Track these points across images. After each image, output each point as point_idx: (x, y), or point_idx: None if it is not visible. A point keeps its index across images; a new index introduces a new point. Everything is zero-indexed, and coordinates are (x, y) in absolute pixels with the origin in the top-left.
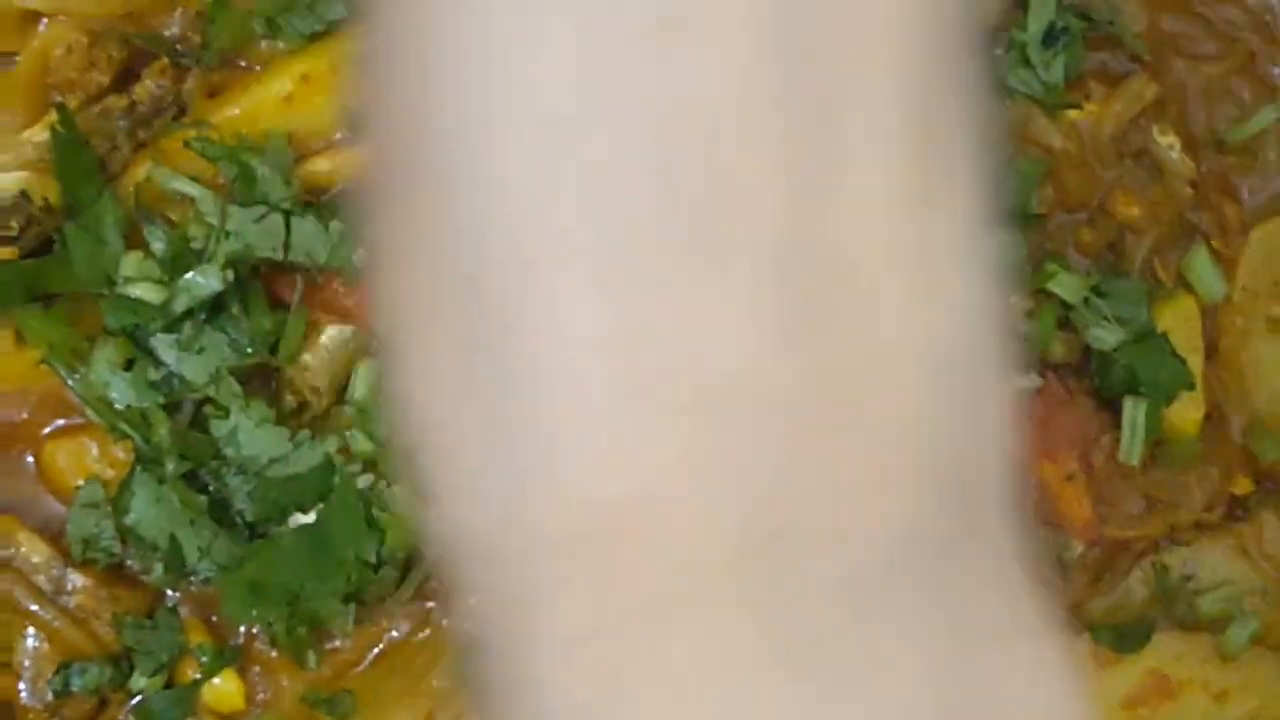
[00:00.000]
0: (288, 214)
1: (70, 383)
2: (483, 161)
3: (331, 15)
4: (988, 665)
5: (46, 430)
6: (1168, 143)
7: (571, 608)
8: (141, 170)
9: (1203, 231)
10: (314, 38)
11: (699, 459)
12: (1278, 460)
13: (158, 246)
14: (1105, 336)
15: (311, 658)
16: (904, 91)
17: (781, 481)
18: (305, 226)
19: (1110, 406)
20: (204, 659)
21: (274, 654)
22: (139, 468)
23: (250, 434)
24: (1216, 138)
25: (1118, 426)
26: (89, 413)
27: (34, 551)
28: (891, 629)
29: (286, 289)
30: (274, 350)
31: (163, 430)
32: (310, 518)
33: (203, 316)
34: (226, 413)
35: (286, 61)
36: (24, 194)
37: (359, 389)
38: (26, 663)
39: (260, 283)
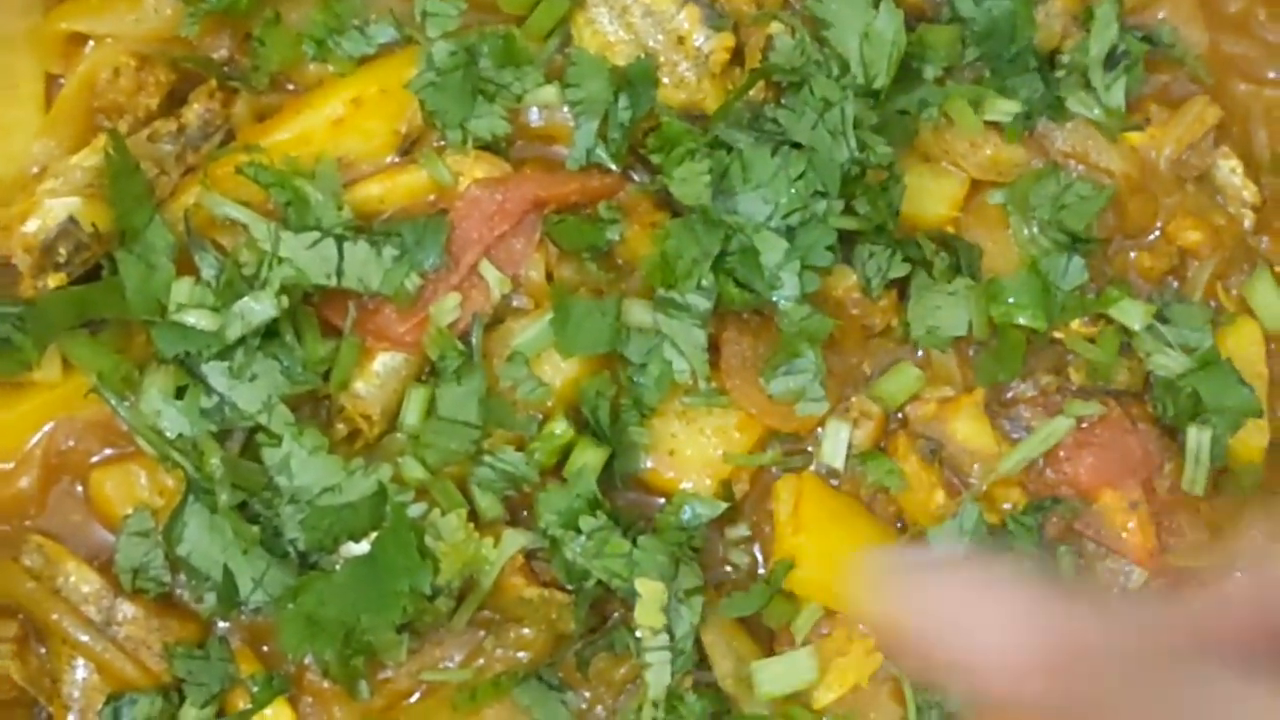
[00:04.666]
0: (340, 239)
1: (120, 411)
2: None
3: (382, 38)
4: None
5: (95, 459)
6: (1229, 166)
7: None
8: (190, 195)
9: (1265, 256)
10: (364, 61)
11: None
12: None
13: (208, 273)
14: (1169, 364)
15: (364, 688)
16: None
17: None
18: (358, 252)
19: (1173, 434)
20: (255, 689)
21: (326, 684)
22: (191, 497)
23: (303, 462)
24: (1279, 161)
25: (1181, 454)
26: (139, 441)
27: (83, 581)
28: None
29: (338, 315)
30: (326, 377)
31: (215, 459)
32: (363, 547)
33: (255, 343)
34: (279, 441)
35: (336, 84)
36: (72, 220)
37: (410, 415)
38: (76, 694)
39: (312, 309)
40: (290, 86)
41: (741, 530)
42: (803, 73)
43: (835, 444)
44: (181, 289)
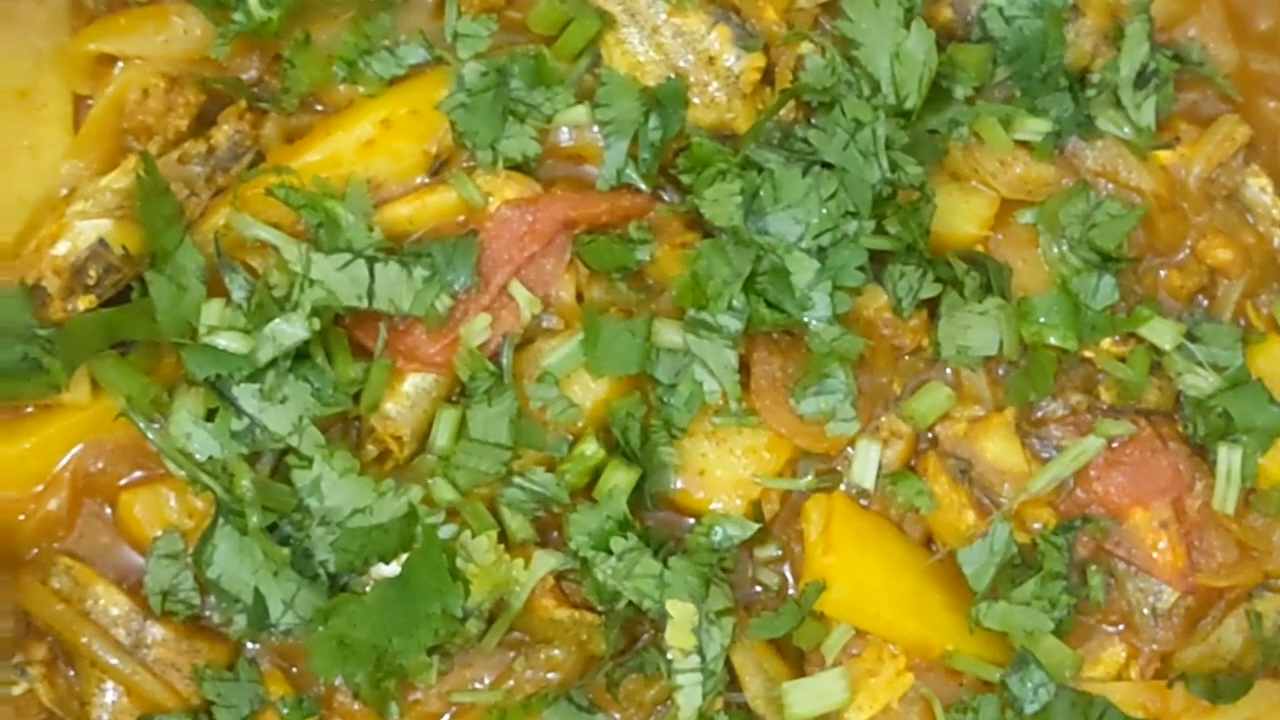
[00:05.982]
0: (371, 261)
1: (150, 434)
2: None
3: (412, 59)
4: None
5: (124, 481)
6: (1259, 185)
7: None
8: (220, 217)
9: None
10: (394, 81)
11: None
12: None
13: (239, 295)
14: (1199, 383)
15: (395, 710)
16: None
17: None
18: (388, 273)
19: (1204, 453)
20: (285, 711)
21: (357, 706)
22: (221, 519)
23: (333, 484)
24: None
25: (1211, 473)
26: (168, 464)
27: (112, 603)
28: None
29: (369, 337)
30: (356, 399)
31: (245, 481)
32: (394, 569)
33: (286, 366)
34: (309, 463)
35: (366, 105)
36: (103, 242)
37: (441, 437)
38: (105, 717)
39: (343, 331)
40: (320, 108)
41: (771, 550)
42: (834, 93)
43: (865, 464)
44: (212, 311)
